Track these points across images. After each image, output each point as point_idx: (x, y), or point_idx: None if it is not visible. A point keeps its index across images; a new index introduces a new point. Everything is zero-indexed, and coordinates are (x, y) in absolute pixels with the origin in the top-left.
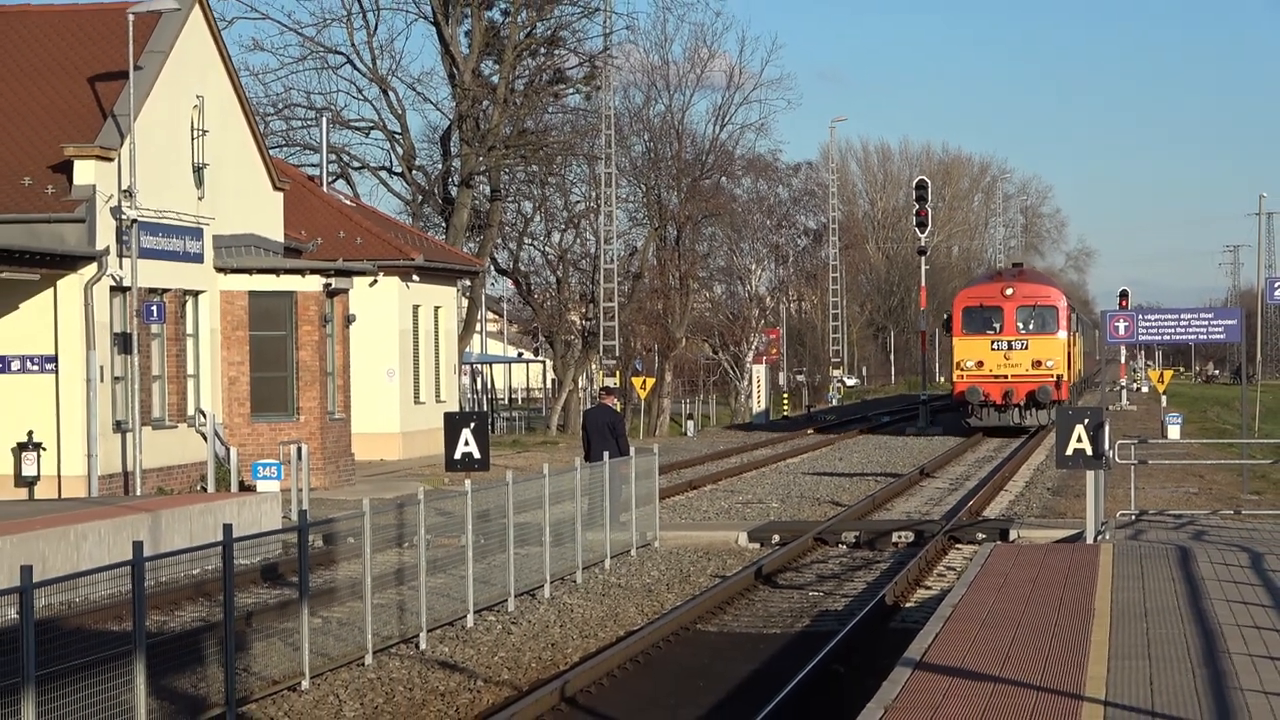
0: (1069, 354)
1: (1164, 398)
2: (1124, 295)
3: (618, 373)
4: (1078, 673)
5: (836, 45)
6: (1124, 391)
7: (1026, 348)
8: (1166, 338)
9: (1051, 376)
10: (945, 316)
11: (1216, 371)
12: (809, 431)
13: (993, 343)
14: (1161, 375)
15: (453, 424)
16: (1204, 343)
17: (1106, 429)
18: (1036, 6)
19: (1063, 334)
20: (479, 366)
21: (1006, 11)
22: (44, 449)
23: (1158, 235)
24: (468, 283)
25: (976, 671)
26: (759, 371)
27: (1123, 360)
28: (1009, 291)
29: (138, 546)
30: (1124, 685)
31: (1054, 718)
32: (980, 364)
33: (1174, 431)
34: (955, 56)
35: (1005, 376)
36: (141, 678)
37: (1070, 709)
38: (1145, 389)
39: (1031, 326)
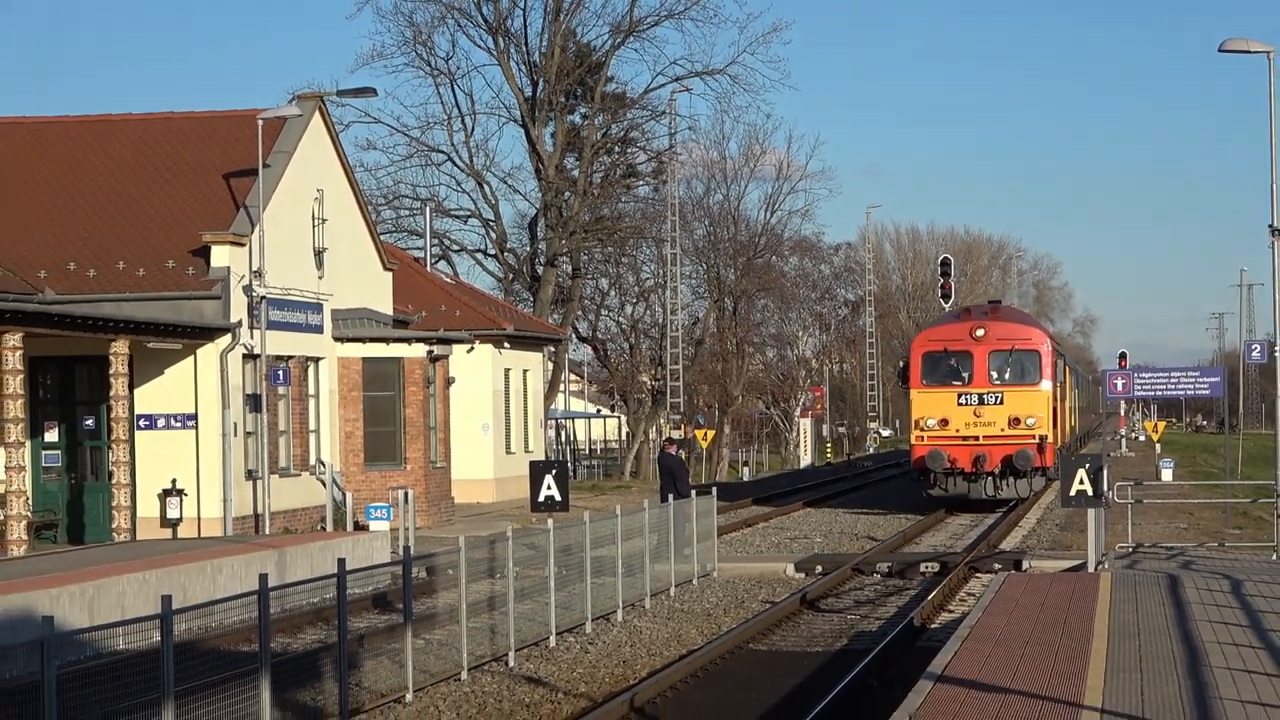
0: (1054, 409)
1: (1158, 445)
2: (1123, 356)
3: (683, 426)
4: (1078, 684)
5: (872, 142)
6: (1123, 440)
7: (1002, 402)
8: (1159, 393)
9: (1033, 437)
10: (901, 364)
11: (1204, 422)
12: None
13: (960, 396)
14: (1156, 426)
15: (537, 471)
16: (1192, 397)
17: (1105, 473)
18: (1049, 117)
19: (1046, 384)
20: (562, 421)
21: (1024, 121)
22: (185, 495)
23: (1153, 304)
24: (552, 349)
25: (990, 684)
26: (805, 424)
27: (1122, 413)
28: (980, 333)
29: (263, 578)
30: (1119, 695)
31: None
32: (944, 422)
33: (1167, 475)
34: (976, 152)
35: (976, 438)
36: (266, 692)
37: (1071, 716)
38: (1142, 438)
39: (1008, 376)
